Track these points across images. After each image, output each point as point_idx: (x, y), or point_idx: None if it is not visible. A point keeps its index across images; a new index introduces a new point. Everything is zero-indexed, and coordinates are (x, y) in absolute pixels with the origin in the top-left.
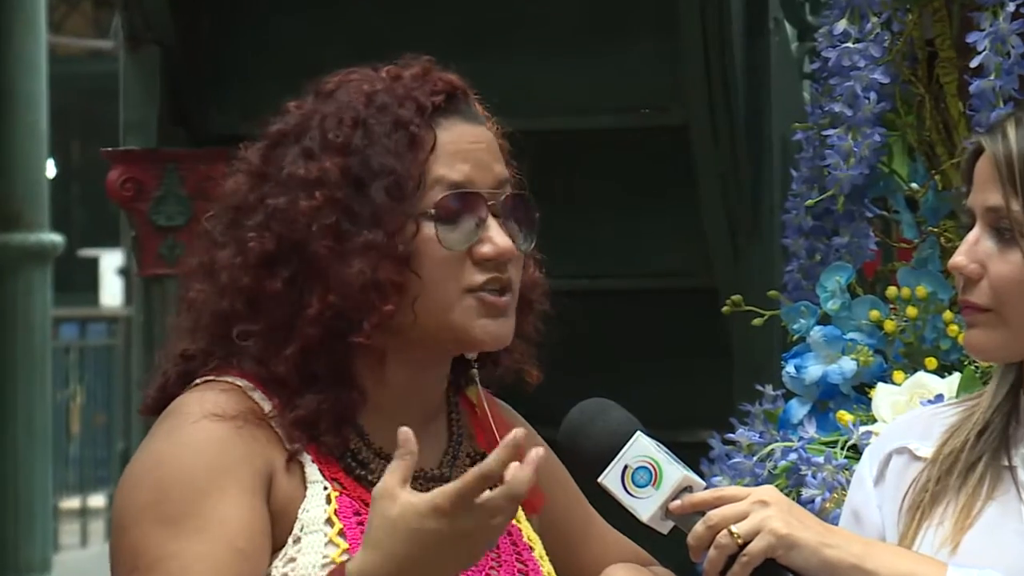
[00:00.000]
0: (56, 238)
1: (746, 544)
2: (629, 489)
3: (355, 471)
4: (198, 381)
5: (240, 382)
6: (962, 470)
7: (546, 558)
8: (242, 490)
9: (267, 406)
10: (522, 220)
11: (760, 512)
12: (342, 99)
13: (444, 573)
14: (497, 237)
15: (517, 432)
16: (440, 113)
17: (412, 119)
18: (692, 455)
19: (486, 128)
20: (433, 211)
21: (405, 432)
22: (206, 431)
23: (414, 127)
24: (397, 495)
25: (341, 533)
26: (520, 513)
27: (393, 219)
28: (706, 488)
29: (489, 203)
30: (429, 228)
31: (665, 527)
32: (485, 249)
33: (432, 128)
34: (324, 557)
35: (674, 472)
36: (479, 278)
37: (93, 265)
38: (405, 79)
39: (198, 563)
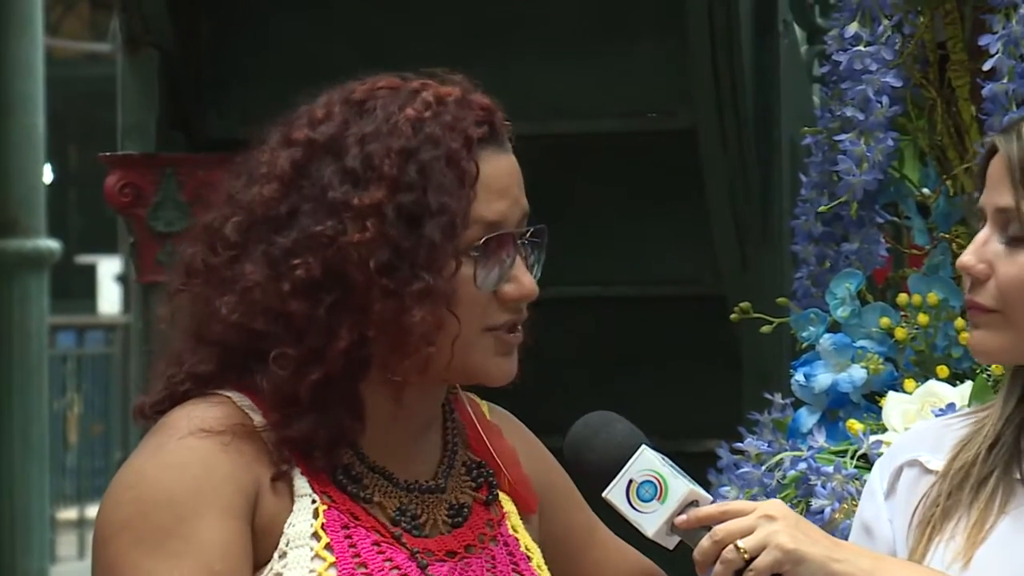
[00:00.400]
0: (53, 244)
1: (752, 559)
2: (634, 504)
3: (346, 487)
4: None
5: (231, 393)
6: (974, 484)
7: (545, 567)
8: (222, 511)
9: (258, 418)
10: (535, 249)
11: (767, 527)
12: (381, 119)
13: None
14: (524, 278)
15: None
16: (480, 144)
17: (462, 153)
18: (700, 464)
19: (511, 153)
20: (475, 253)
21: None
22: (190, 449)
23: (465, 162)
24: None
25: (328, 547)
26: (518, 521)
27: (444, 259)
28: (712, 501)
29: (518, 241)
30: (468, 268)
31: (671, 542)
32: (512, 290)
33: (475, 162)
34: (310, 572)
35: (679, 486)
36: (500, 318)
37: (91, 272)
38: (449, 105)
39: None
